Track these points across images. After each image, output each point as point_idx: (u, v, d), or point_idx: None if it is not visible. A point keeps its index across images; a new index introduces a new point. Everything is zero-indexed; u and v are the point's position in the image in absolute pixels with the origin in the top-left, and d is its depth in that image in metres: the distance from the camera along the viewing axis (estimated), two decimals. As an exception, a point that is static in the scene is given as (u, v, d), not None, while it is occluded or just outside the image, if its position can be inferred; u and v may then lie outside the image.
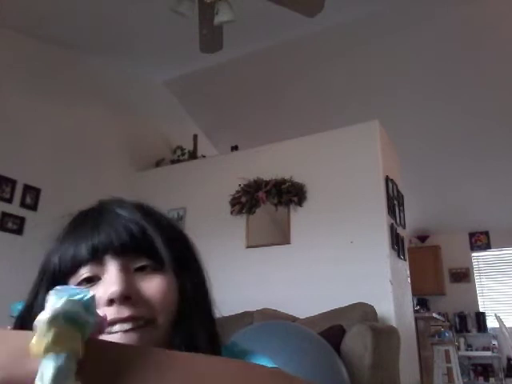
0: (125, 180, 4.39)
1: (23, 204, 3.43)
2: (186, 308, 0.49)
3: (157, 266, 0.49)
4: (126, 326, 0.44)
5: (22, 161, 3.50)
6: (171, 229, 0.55)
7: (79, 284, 0.48)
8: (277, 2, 2.48)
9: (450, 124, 4.77)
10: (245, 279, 3.48)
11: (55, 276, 0.49)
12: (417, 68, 4.25)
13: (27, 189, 3.48)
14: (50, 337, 0.27)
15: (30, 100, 3.65)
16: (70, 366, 0.28)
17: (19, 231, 3.38)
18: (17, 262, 3.26)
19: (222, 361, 0.40)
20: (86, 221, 0.52)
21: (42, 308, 0.45)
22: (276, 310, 3.07)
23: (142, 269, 0.49)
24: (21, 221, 3.39)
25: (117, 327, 0.44)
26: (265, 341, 1.97)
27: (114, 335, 0.44)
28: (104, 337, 0.40)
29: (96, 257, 0.48)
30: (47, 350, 0.27)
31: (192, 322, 0.50)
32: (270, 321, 2.69)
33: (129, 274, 0.48)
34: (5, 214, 3.29)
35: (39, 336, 0.28)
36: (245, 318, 2.97)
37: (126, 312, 0.44)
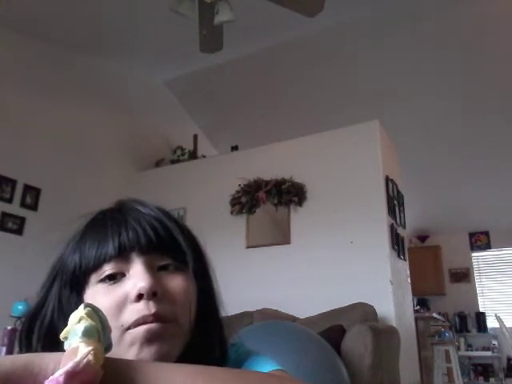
0: (125, 180, 4.39)
1: (23, 204, 3.43)
2: (204, 310, 0.51)
3: (179, 266, 0.50)
4: (152, 322, 0.45)
5: (22, 161, 3.50)
6: (188, 232, 0.56)
7: (102, 281, 0.48)
8: (277, 2, 2.48)
9: (450, 124, 4.77)
10: (245, 279, 3.48)
11: (75, 274, 0.49)
12: (417, 68, 4.25)
13: (27, 189, 3.48)
14: (83, 312, 0.36)
15: (30, 100, 3.65)
16: (95, 331, 0.35)
17: (19, 231, 3.38)
18: (17, 262, 3.26)
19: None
20: (108, 219, 0.52)
21: (55, 306, 0.46)
22: (276, 310, 3.07)
23: (165, 267, 0.50)
24: (21, 221, 3.39)
25: (143, 323, 0.46)
26: (265, 341, 1.97)
27: (140, 328, 0.45)
28: (132, 329, 0.45)
29: (122, 254, 0.49)
30: (80, 319, 0.35)
31: (209, 324, 0.52)
32: (270, 321, 2.69)
33: (154, 271, 0.49)
34: (5, 214, 3.29)
35: (77, 311, 0.36)
36: (245, 318, 2.97)
37: (153, 308, 0.45)
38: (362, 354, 2.31)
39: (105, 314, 0.38)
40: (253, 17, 3.50)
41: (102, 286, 0.48)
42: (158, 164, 4.73)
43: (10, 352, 1.96)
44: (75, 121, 4.03)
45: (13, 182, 3.38)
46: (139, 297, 0.46)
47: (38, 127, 3.69)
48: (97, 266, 0.49)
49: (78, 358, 0.32)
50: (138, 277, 0.47)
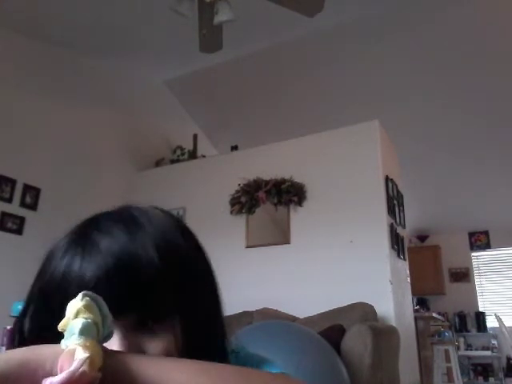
0: (125, 180, 4.39)
1: (23, 204, 3.43)
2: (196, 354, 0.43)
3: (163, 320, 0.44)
4: None
5: (22, 160, 3.50)
6: (187, 257, 0.47)
7: None
8: (277, 2, 2.49)
9: (450, 124, 4.77)
10: (244, 279, 3.48)
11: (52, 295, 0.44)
12: (417, 68, 4.25)
13: (27, 188, 3.48)
14: (81, 304, 0.35)
15: (30, 100, 3.65)
16: (92, 328, 0.35)
17: (19, 231, 3.38)
18: (17, 262, 3.26)
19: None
20: (78, 256, 0.44)
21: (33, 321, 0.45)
22: (276, 310, 3.07)
23: (143, 322, 0.43)
24: (20, 221, 3.39)
25: None
26: (264, 341, 1.97)
27: None
28: None
29: None
30: (78, 314, 0.35)
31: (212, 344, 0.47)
32: (270, 321, 2.69)
33: (131, 337, 0.42)
34: (4, 214, 3.30)
35: (75, 301, 0.36)
36: (244, 318, 2.97)
37: None
38: (361, 353, 2.31)
39: None
40: (253, 17, 3.49)
41: None
42: (157, 164, 4.73)
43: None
44: (75, 121, 4.03)
45: (12, 182, 3.38)
46: None
47: (38, 127, 3.69)
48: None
49: (73, 368, 0.32)
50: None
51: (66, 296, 0.39)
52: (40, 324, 0.44)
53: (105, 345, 0.37)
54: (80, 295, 0.37)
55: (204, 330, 0.47)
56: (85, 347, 0.33)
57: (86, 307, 0.36)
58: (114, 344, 0.41)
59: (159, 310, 0.42)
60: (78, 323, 0.35)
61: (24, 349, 0.35)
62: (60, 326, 0.36)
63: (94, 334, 0.35)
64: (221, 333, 0.50)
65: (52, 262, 0.46)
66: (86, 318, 0.35)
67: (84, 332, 0.34)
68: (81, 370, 0.32)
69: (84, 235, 0.46)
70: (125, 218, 0.47)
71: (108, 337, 0.37)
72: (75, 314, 0.35)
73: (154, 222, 0.47)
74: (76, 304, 0.36)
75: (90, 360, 0.33)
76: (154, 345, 0.42)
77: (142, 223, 0.46)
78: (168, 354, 0.43)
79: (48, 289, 0.44)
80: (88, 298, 0.36)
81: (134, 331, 0.42)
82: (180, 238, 0.48)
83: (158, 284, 0.42)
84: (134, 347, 0.41)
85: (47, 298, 0.44)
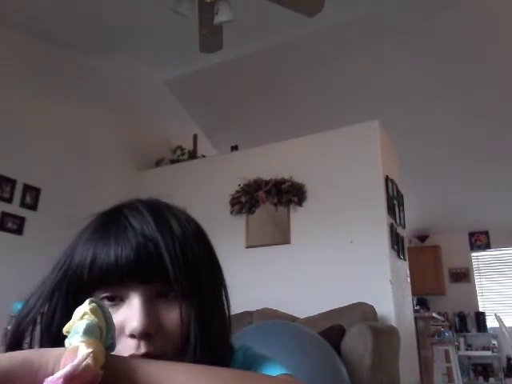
0: (124, 180, 4.39)
1: (23, 204, 3.43)
2: (205, 336, 0.49)
3: (177, 293, 0.49)
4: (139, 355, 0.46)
5: (22, 160, 3.50)
6: (197, 245, 0.53)
7: (101, 299, 0.48)
8: (277, 2, 2.49)
9: (449, 124, 4.77)
10: (244, 279, 3.48)
11: (80, 286, 0.48)
12: (417, 68, 4.25)
13: (27, 188, 3.48)
14: (88, 308, 0.36)
15: (30, 99, 3.65)
16: (96, 329, 0.36)
17: (19, 231, 3.37)
18: (16, 262, 3.26)
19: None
20: (111, 235, 0.49)
21: (56, 311, 0.48)
22: (276, 310, 3.07)
23: (164, 293, 0.49)
24: (21, 221, 3.39)
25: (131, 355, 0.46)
26: (264, 341, 1.97)
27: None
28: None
29: (122, 280, 0.48)
30: (83, 316, 0.36)
31: (212, 349, 0.49)
32: (270, 321, 2.68)
33: (150, 304, 0.48)
34: (4, 214, 3.29)
35: (82, 306, 0.37)
36: (244, 318, 2.97)
37: (143, 348, 0.46)
38: (361, 353, 2.31)
39: None
40: (253, 17, 3.50)
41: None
42: (157, 164, 4.73)
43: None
44: (75, 120, 4.03)
45: (12, 182, 3.38)
46: (131, 335, 0.46)
47: (38, 127, 3.69)
48: (98, 285, 0.48)
49: (76, 361, 0.32)
50: (133, 313, 0.47)
51: (99, 272, 0.47)
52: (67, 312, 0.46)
53: (129, 299, 0.47)
54: (87, 301, 0.37)
55: (212, 309, 0.52)
56: (88, 344, 0.34)
57: (92, 311, 0.36)
58: (135, 308, 0.47)
59: (176, 284, 0.48)
60: (83, 324, 0.35)
61: (30, 350, 0.36)
62: (65, 329, 0.36)
63: (97, 335, 0.35)
64: (225, 319, 0.55)
65: (78, 246, 0.50)
66: (90, 320, 0.36)
67: (88, 332, 0.35)
68: (84, 363, 0.32)
69: (116, 219, 0.51)
70: (152, 207, 0.54)
71: (110, 348, 0.38)
72: (81, 316, 0.36)
73: (177, 217, 0.54)
74: (83, 307, 0.37)
75: (94, 355, 0.33)
76: (169, 313, 0.48)
77: (166, 213, 0.53)
78: (180, 323, 0.48)
79: (77, 271, 0.49)
80: (95, 304, 0.37)
81: (155, 299, 0.49)
82: (194, 232, 0.54)
83: (174, 264, 0.48)
84: (152, 313, 0.47)
85: (76, 280, 0.48)
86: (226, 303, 0.55)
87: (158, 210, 0.54)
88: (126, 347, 0.46)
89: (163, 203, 0.57)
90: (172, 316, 0.48)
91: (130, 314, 0.47)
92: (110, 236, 0.49)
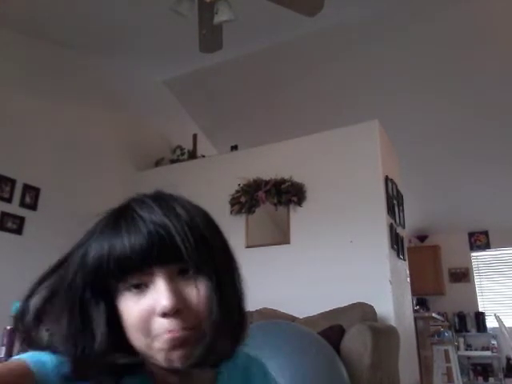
0: (124, 179, 4.39)
1: (23, 204, 3.43)
2: (225, 309, 0.53)
3: (198, 269, 0.53)
4: (176, 332, 0.50)
5: (22, 160, 3.50)
6: (211, 230, 0.59)
7: (127, 288, 0.51)
8: (277, 2, 2.49)
9: (450, 124, 4.77)
10: (244, 279, 3.48)
11: (98, 278, 0.51)
12: (417, 68, 4.25)
13: (27, 188, 3.48)
14: None
15: (30, 99, 3.65)
16: None
17: (19, 231, 3.37)
18: (16, 262, 3.26)
19: None
20: (130, 227, 0.52)
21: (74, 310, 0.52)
22: (275, 310, 3.07)
23: (184, 271, 0.52)
24: (20, 220, 3.39)
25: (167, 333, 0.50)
26: (264, 341, 1.97)
27: (166, 337, 0.49)
28: (159, 338, 0.49)
29: (142, 267, 0.51)
30: None
31: (232, 321, 0.55)
32: (270, 321, 2.68)
33: (174, 283, 0.51)
34: (4, 214, 3.29)
35: None
36: (244, 318, 2.97)
37: (177, 325, 0.50)
38: (361, 353, 2.31)
39: (135, 321, 0.49)
40: (253, 17, 3.49)
41: (129, 294, 0.51)
42: (157, 164, 4.73)
43: (9, 352, 1.96)
44: (75, 120, 4.03)
45: (12, 182, 3.38)
46: (163, 314, 0.49)
47: (38, 127, 3.69)
48: (120, 275, 0.51)
49: None
50: (160, 294, 0.50)
51: (117, 263, 0.50)
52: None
53: (153, 283, 0.51)
54: None
55: (227, 281, 0.56)
56: None
57: None
58: (161, 289, 0.50)
59: (190, 260, 0.51)
60: None
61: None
62: None
63: None
64: (241, 291, 0.60)
65: (90, 242, 0.53)
66: None
67: None
68: None
69: (125, 212, 0.54)
70: (157, 197, 0.57)
71: None
72: None
73: (180, 203, 0.58)
74: None
75: None
76: (192, 289, 0.52)
77: (171, 202, 0.57)
78: (202, 298, 0.52)
79: (94, 264, 0.51)
80: None
81: (177, 278, 0.52)
82: (197, 212, 0.59)
83: (185, 242, 0.52)
84: (177, 290, 0.51)
85: (93, 274, 0.51)
86: (239, 279, 0.60)
87: (163, 199, 0.57)
88: (162, 328, 0.49)
89: (167, 193, 0.60)
90: (196, 291, 0.52)
91: (157, 296, 0.50)
92: (122, 228, 0.52)
